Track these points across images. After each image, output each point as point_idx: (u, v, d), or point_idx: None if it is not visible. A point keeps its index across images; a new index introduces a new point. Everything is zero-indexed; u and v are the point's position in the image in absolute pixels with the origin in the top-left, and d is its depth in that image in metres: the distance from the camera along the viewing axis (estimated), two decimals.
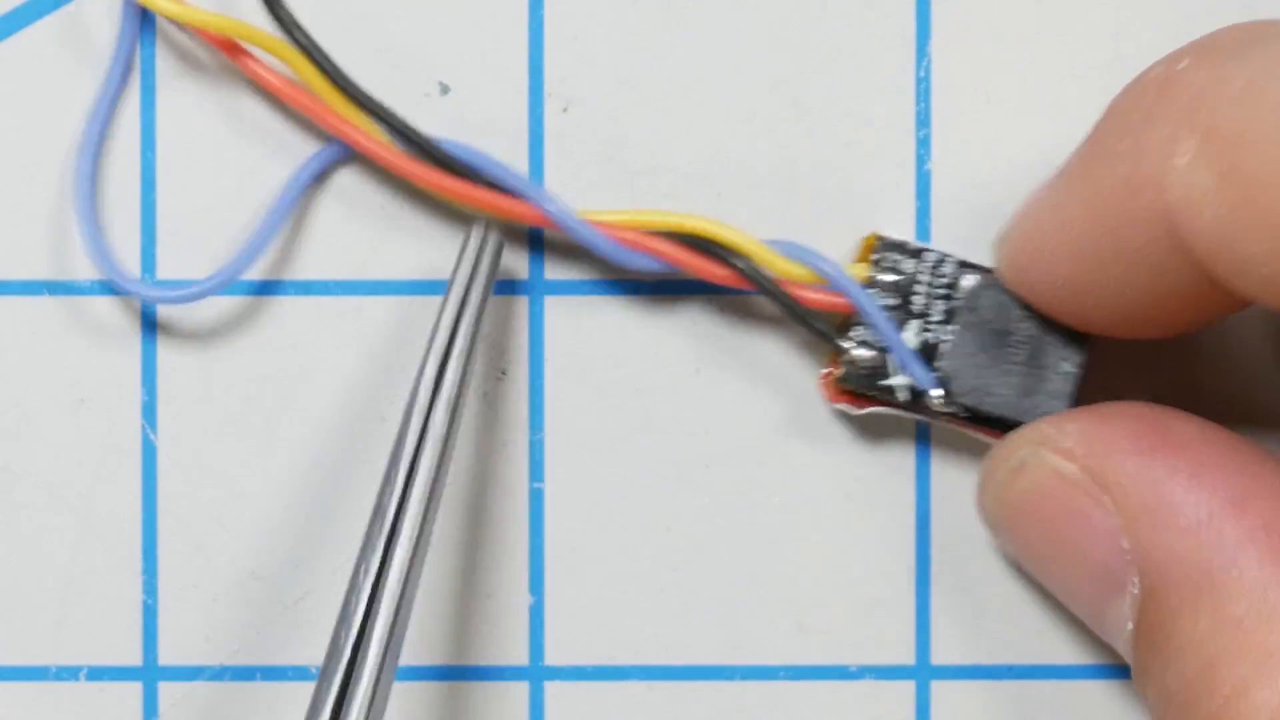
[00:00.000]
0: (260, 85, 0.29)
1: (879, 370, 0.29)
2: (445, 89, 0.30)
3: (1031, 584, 0.30)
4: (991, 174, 0.30)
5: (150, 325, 0.30)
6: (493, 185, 0.29)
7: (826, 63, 0.30)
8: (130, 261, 0.30)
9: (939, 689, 0.30)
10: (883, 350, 0.29)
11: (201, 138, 0.30)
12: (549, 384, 0.30)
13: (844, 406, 0.29)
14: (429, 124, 0.30)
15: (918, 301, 0.29)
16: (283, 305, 0.30)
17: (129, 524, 0.30)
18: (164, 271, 0.30)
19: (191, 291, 0.29)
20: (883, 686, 0.30)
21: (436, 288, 0.30)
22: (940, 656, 0.30)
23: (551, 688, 0.30)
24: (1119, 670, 0.30)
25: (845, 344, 0.29)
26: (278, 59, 0.29)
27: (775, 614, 0.30)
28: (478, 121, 0.30)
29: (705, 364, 0.30)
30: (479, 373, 0.30)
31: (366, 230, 0.30)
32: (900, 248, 0.29)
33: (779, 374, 0.30)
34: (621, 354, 0.30)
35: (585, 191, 0.30)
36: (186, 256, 0.30)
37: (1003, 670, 0.30)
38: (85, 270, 0.30)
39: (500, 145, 0.30)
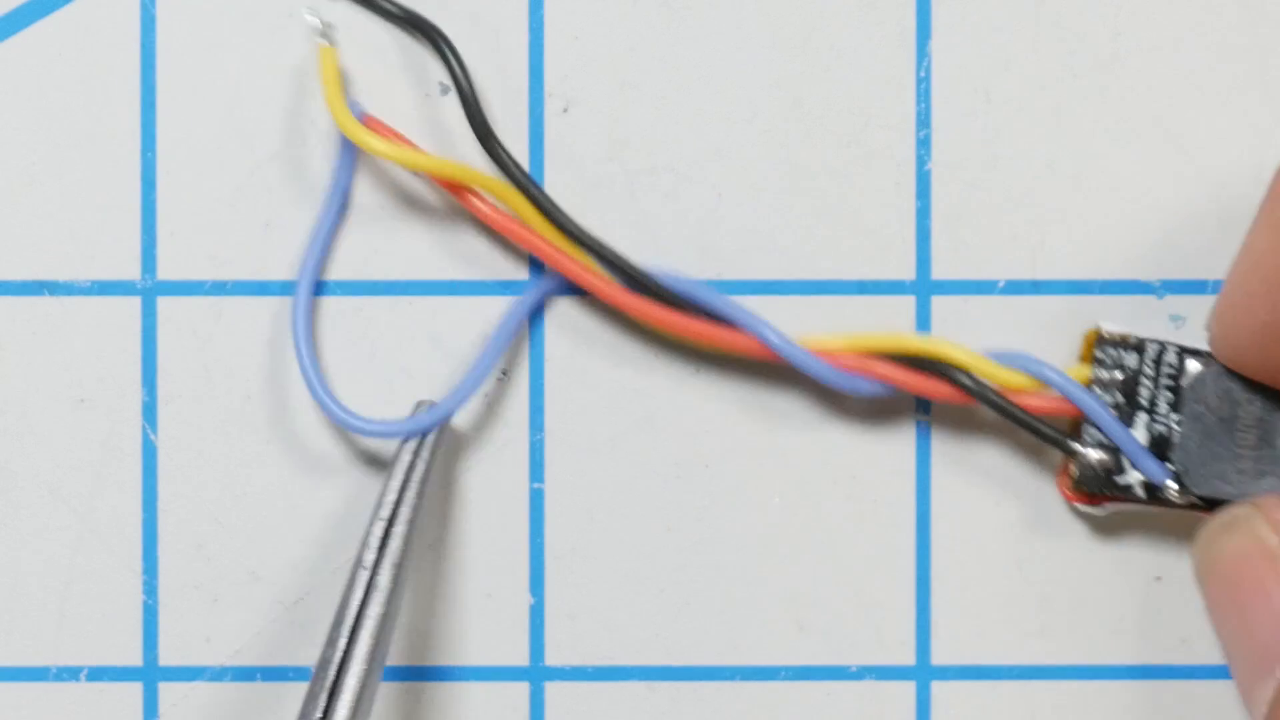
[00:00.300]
0: (482, 221, 0.29)
1: (1113, 469, 0.29)
2: (445, 89, 0.30)
3: (1031, 584, 0.30)
4: (991, 174, 0.30)
5: (150, 325, 0.30)
6: (711, 316, 0.29)
7: (826, 63, 0.30)
8: (130, 261, 0.30)
9: (939, 689, 0.30)
10: (1114, 449, 0.29)
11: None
12: (549, 384, 0.30)
13: (1083, 507, 0.29)
14: (429, 123, 0.30)
15: (1144, 394, 0.29)
16: (283, 305, 0.30)
17: (129, 524, 0.30)
18: (164, 272, 0.30)
19: (401, 426, 0.29)
20: (883, 686, 0.30)
21: (437, 288, 0.30)
22: (940, 656, 0.30)
23: (551, 688, 0.30)
24: (1118, 671, 0.30)
25: (1077, 446, 0.29)
26: (497, 198, 0.29)
27: (775, 614, 0.30)
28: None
29: (704, 364, 0.30)
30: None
31: (367, 230, 0.30)
32: (1121, 343, 0.29)
33: (769, 376, 0.30)
34: (621, 354, 0.30)
35: (585, 191, 0.30)
36: (186, 256, 0.30)
37: (1003, 670, 0.30)
38: (85, 270, 0.30)
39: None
